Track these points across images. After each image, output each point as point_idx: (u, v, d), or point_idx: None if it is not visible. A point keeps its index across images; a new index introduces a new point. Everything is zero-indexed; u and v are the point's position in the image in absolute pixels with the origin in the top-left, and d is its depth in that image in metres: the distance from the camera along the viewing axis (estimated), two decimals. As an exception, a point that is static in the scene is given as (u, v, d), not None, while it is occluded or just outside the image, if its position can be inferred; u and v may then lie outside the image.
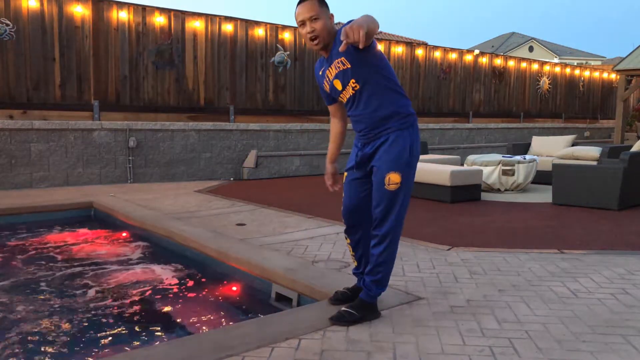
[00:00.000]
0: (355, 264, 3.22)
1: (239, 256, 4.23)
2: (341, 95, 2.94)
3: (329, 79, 2.92)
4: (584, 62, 41.47)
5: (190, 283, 4.26)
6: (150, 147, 8.81)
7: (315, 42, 2.81)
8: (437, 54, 13.35)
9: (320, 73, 3.00)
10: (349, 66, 2.79)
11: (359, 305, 2.95)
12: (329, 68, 2.89)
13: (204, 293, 4.07)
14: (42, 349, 3.08)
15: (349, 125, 3.17)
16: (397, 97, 2.89)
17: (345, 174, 3.13)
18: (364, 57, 2.76)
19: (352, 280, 3.65)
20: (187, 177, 9.21)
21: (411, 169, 2.92)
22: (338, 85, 2.88)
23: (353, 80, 2.83)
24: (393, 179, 2.85)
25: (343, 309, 2.94)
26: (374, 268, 2.96)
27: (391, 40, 13.40)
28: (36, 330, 3.32)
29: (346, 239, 3.20)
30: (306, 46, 10.74)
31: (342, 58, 2.79)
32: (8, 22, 7.75)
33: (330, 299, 3.21)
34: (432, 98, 13.35)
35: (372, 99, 2.85)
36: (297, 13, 2.82)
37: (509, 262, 4.19)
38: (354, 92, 2.86)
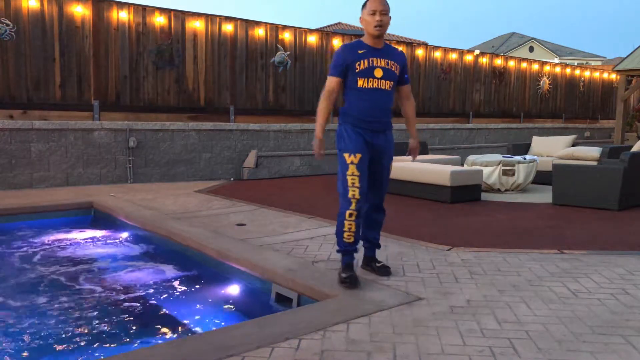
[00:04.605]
0: (353, 240, 3.67)
1: (239, 256, 4.23)
2: (370, 80, 3.56)
3: (371, 63, 3.57)
4: (584, 62, 41.46)
5: (191, 283, 4.26)
6: (151, 147, 8.81)
7: (379, 29, 3.54)
8: (437, 54, 13.34)
9: (360, 52, 3.57)
10: (398, 74, 3.68)
11: (376, 258, 3.93)
12: (378, 59, 3.59)
13: (204, 293, 4.07)
14: (42, 350, 3.08)
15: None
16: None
17: (359, 155, 3.55)
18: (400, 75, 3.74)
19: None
20: (187, 177, 9.21)
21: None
22: (378, 72, 3.58)
23: (392, 83, 3.65)
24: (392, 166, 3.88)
25: (379, 265, 3.85)
26: (379, 230, 3.93)
27: (391, 40, 13.41)
28: (36, 330, 3.32)
29: (357, 218, 3.59)
30: (306, 46, 10.75)
31: (398, 66, 3.66)
32: (8, 22, 7.74)
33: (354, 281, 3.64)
34: (432, 98, 13.34)
35: (392, 99, 3.73)
36: (372, 3, 3.54)
37: (509, 262, 4.19)
38: (390, 89, 3.64)
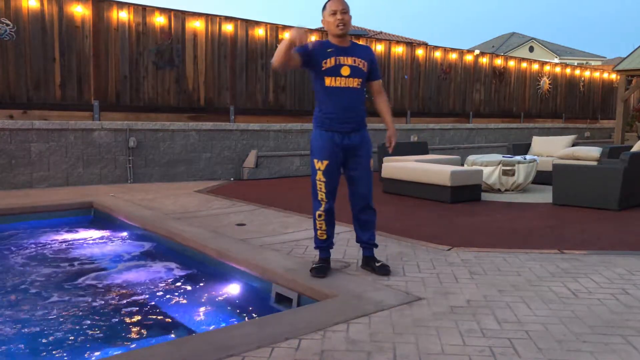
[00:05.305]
0: (326, 237, 3.85)
1: (239, 256, 4.23)
2: (337, 79, 3.61)
3: (337, 61, 3.61)
4: (584, 62, 41.45)
5: (191, 283, 4.26)
6: (150, 147, 8.80)
7: (342, 27, 3.60)
8: (438, 54, 13.34)
9: (328, 51, 3.62)
10: (366, 70, 3.71)
11: (375, 257, 3.91)
12: (345, 57, 3.63)
13: (204, 293, 4.07)
14: (42, 350, 3.08)
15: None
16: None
17: (326, 162, 3.67)
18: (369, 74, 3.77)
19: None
20: (187, 177, 9.21)
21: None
22: (345, 71, 3.62)
23: (360, 80, 3.68)
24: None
25: (378, 265, 3.83)
26: (373, 230, 3.93)
27: (391, 40, 13.40)
28: (36, 331, 3.32)
29: (325, 217, 3.79)
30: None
31: (365, 62, 3.68)
32: (8, 22, 7.74)
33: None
34: (432, 98, 13.34)
35: (363, 97, 3.76)
36: (332, 4, 3.62)
37: (509, 262, 4.19)
38: (358, 86, 3.68)
